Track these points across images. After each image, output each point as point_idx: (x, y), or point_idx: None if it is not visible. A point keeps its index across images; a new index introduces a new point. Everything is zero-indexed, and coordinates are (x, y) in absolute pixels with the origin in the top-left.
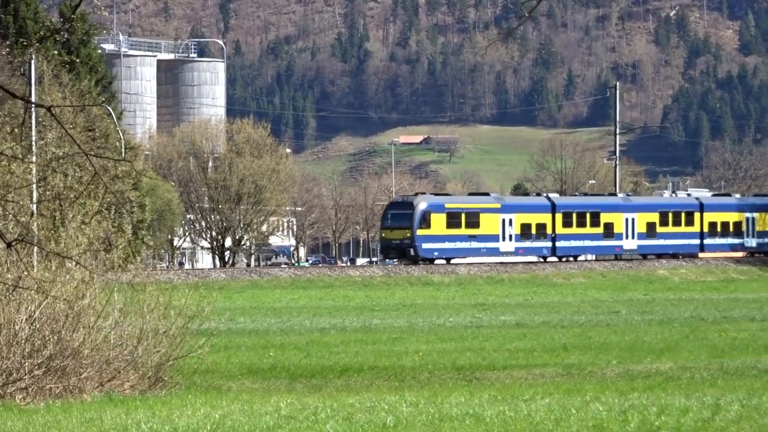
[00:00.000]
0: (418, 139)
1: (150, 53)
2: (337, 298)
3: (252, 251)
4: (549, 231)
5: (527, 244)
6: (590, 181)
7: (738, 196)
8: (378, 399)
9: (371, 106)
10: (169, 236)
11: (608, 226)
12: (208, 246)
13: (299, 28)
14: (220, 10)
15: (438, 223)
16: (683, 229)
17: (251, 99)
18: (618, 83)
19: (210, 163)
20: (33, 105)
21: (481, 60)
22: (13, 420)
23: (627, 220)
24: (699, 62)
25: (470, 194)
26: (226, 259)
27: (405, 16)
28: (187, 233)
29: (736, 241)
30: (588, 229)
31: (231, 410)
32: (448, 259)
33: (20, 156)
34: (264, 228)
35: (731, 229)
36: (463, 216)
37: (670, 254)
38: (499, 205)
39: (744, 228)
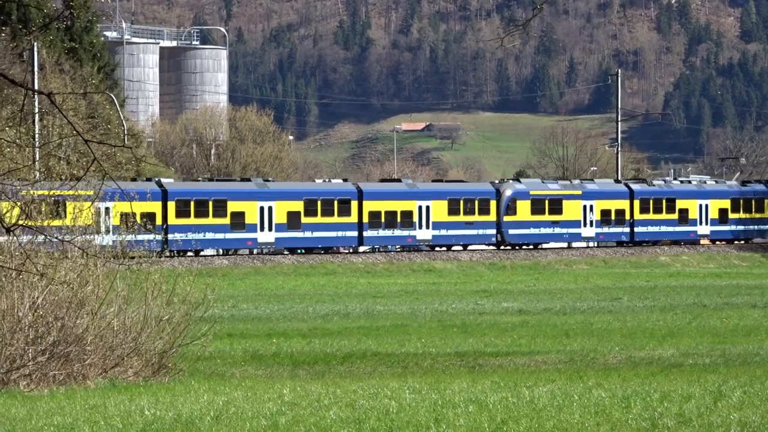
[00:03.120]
0: (420, 126)
1: (153, 40)
2: (340, 285)
3: None
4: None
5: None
6: (592, 168)
7: None
8: (381, 385)
9: (373, 93)
10: None
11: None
12: None
13: (301, 16)
14: None
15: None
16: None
17: (254, 86)
18: (619, 70)
19: (212, 150)
20: (34, 92)
21: (484, 47)
22: (17, 406)
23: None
24: (700, 49)
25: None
26: None
27: (407, 3)
28: None
29: None
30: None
31: (234, 397)
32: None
33: (17, 141)
34: None
35: None
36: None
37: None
38: (580, 192)
39: None
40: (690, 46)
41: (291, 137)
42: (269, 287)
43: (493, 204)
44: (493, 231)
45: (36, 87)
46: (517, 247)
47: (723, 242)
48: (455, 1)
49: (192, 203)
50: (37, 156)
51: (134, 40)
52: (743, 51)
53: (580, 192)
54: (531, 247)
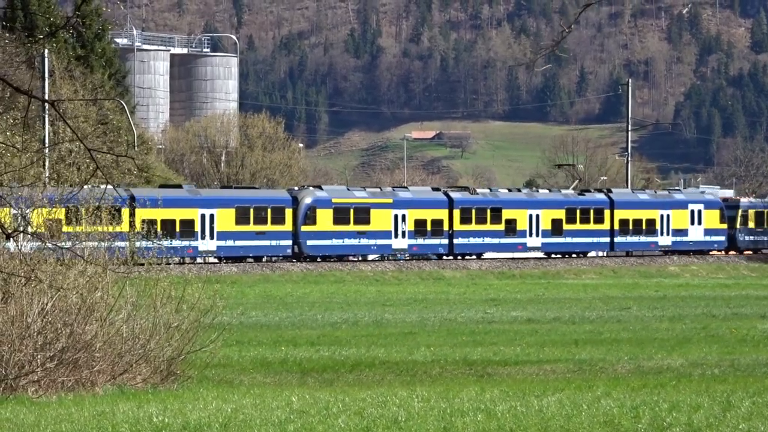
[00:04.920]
0: (430, 134)
1: (163, 48)
2: (349, 292)
3: None
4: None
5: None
6: (602, 178)
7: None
8: (389, 394)
9: (384, 101)
10: None
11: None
12: None
13: (312, 24)
14: (234, 5)
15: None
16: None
17: (264, 94)
18: (630, 80)
19: (222, 158)
20: (41, 100)
21: (494, 56)
22: (25, 413)
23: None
24: (711, 60)
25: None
26: None
27: (418, 12)
28: None
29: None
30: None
31: (243, 404)
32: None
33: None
34: None
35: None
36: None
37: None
38: (391, 200)
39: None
40: (701, 57)
41: (301, 145)
42: (278, 295)
43: (289, 213)
44: (289, 242)
45: (46, 94)
46: (319, 260)
47: (559, 255)
48: (466, 10)
49: (473, 211)
50: (47, 163)
51: (145, 47)
52: (754, 61)
53: (390, 200)
54: (334, 260)
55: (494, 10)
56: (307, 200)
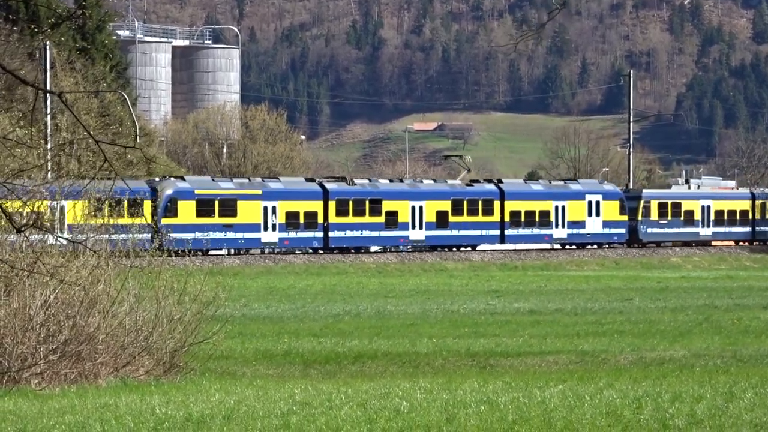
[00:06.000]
0: (432, 126)
1: (165, 39)
2: (351, 284)
3: None
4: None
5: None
6: (604, 169)
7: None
8: (392, 385)
9: (385, 93)
10: None
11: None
12: None
13: (314, 15)
14: None
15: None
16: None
17: (266, 86)
18: (632, 71)
19: (224, 150)
20: (45, 92)
21: (496, 48)
22: (28, 405)
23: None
24: (713, 50)
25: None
26: None
27: (419, 3)
28: None
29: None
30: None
31: (245, 396)
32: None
33: (27, 142)
34: None
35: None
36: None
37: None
38: (260, 192)
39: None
40: (702, 48)
41: (303, 137)
42: (281, 287)
43: (148, 204)
44: (148, 235)
45: (48, 86)
46: (182, 253)
47: (443, 249)
48: (468, 2)
49: (350, 202)
50: (49, 155)
51: (147, 39)
52: (755, 52)
53: (260, 192)
54: (200, 254)
55: (495, 1)
56: (168, 191)
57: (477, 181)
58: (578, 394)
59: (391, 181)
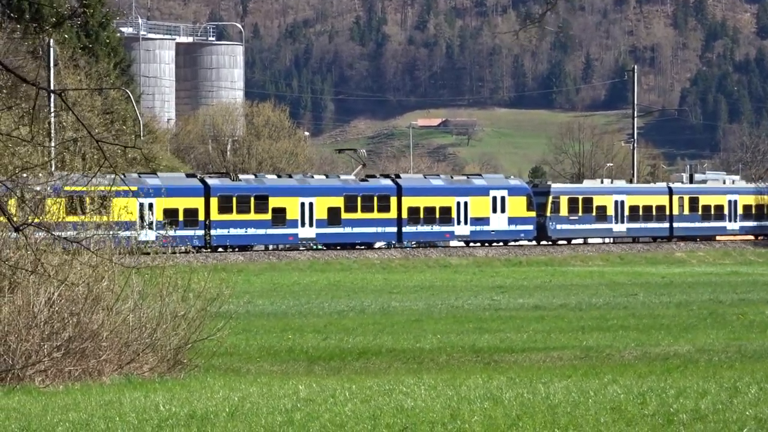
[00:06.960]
0: (436, 122)
1: (169, 36)
2: (356, 280)
3: None
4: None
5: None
6: (608, 164)
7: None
8: (396, 381)
9: (389, 89)
10: None
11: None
12: None
13: (317, 12)
14: None
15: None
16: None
17: (270, 82)
18: (636, 66)
19: (228, 146)
20: (48, 91)
21: (500, 43)
22: (32, 402)
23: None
24: (717, 45)
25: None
26: None
27: None
28: None
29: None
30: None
31: (250, 393)
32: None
33: (28, 140)
34: None
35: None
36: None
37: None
38: (135, 188)
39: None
40: (707, 42)
41: (307, 133)
42: (285, 283)
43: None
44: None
45: (51, 84)
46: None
47: (337, 247)
48: None
49: (234, 199)
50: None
51: (150, 36)
52: (760, 47)
53: (134, 188)
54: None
55: None
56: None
57: (373, 176)
58: (583, 389)
59: (279, 176)
